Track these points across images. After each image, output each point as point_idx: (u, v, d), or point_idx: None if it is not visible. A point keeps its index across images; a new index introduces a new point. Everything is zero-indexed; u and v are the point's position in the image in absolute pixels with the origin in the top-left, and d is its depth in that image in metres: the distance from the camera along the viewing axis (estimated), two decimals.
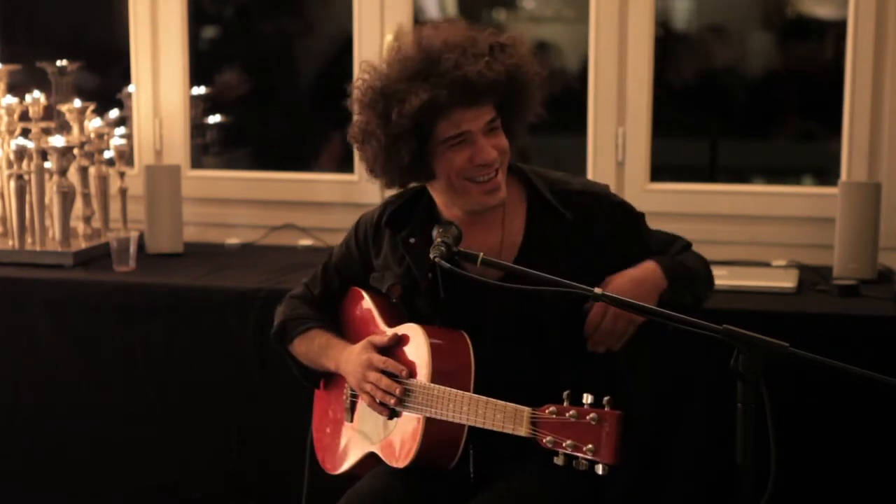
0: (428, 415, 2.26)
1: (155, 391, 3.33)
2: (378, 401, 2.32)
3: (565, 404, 2.05)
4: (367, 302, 2.50)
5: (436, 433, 2.28)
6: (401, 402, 2.30)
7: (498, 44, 2.27)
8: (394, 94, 2.23)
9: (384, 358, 2.34)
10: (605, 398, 2.01)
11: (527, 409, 2.11)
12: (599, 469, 1.99)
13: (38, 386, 3.41)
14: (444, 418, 2.24)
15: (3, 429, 3.44)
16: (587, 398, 2.02)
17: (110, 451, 3.38)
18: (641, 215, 2.45)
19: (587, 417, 2.00)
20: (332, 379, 2.56)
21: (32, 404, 3.42)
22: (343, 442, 2.52)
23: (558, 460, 2.04)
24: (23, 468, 3.45)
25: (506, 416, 2.14)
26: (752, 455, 1.93)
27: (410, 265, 2.39)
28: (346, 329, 2.55)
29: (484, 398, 2.19)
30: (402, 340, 2.36)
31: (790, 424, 2.40)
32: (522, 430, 2.11)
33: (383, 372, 2.32)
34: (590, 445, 1.99)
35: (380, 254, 2.47)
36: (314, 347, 2.51)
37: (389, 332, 2.39)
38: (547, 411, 2.06)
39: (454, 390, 2.23)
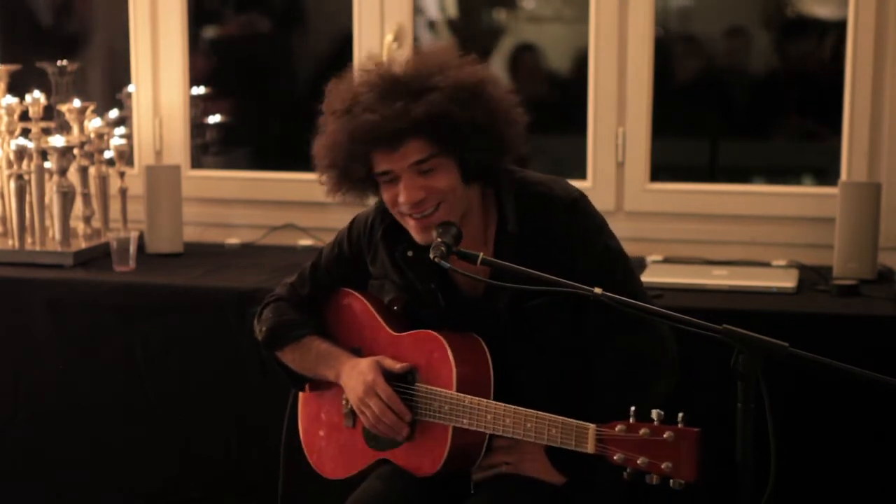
0: (458, 425, 2.25)
1: (154, 391, 3.33)
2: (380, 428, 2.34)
3: (632, 421, 2.02)
4: (365, 303, 2.47)
5: (463, 441, 2.27)
6: (414, 413, 2.31)
7: (430, 87, 2.18)
8: (324, 125, 2.28)
9: (391, 392, 2.31)
10: (680, 415, 1.99)
11: (592, 426, 2.08)
12: (671, 483, 1.98)
13: (38, 386, 3.41)
14: (478, 430, 2.22)
15: (3, 429, 3.44)
16: (656, 414, 2.00)
17: (110, 450, 3.39)
18: (609, 236, 2.36)
19: (663, 435, 1.98)
20: (321, 383, 2.55)
21: (32, 404, 3.42)
22: (344, 446, 2.49)
23: (627, 475, 2.02)
24: (23, 468, 3.45)
25: (564, 433, 2.12)
26: (752, 455, 1.92)
27: (412, 278, 2.37)
28: (339, 330, 2.51)
29: (532, 412, 2.16)
30: (414, 370, 2.34)
31: (790, 424, 2.40)
32: (588, 447, 2.08)
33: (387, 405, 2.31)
34: (668, 463, 1.97)
35: (376, 260, 2.45)
36: (311, 356, 2.48)
37: (401, 364, 2.34)
38: (616, 428, 2.03)
39: (493, 402, 2.21)
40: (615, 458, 2.03)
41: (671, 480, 1.98)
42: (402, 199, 2.23)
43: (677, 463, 1.97)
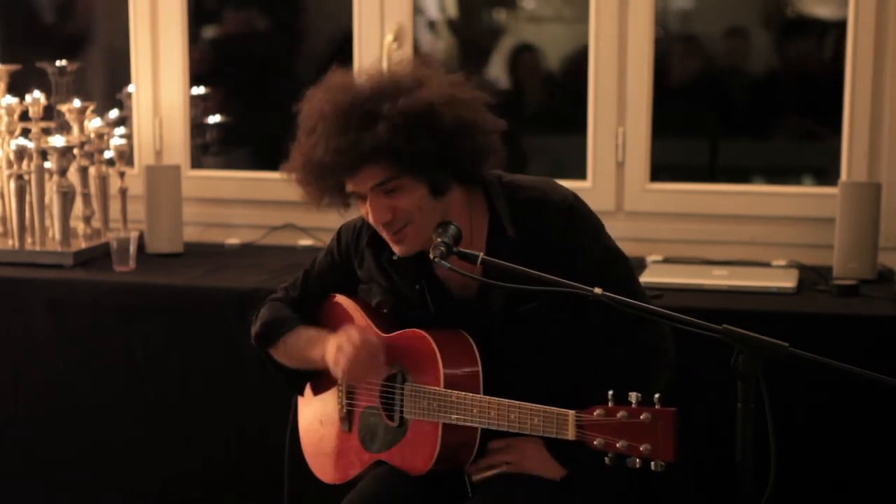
0: (447, 421, 2.26)
1: (154, 391, 3.33)
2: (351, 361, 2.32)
3: (610, 405, 2.03)
4: (356, 307, 2.48)
5: (454, 438, 2.28)
6: (405, 412, 2.31)
7: (378, 116, 2.18)
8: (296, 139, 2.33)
9: (361, 334, 2.32)
10: (656, 396, 2.00)
11: (571, 413, 2.09)
12: (653, 466, 1.99)
13: (38, 386, 3.40)
14: (466, 424, 2.24)
15: (3, 429, 3.44)
16: (633, 397, 2.01)
17: (110, 451, 3.39)
18: (601, 230, 2.37)
19: (640, 417, 1.98)
20: (318, 387, 2.55)
21: (32, 404, 3.42)
22: (341, 451, 2.50)
23: (609, 460, 2.03)
24: (22, 468, 3.45)
25: (546, 421, 2.13)
26: (752, 455, 1.93)
27: (397, 281, 2.38)
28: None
29: (516, 402, 2.18)
30: (405, 371, 2.35)
31: (790, 424, 2.40)
32: (569, 434, 2.10)
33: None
34: (646, 445, 1.98)
35: (363, 265, 2.46)
36: (300, 342, 2.48)
37: (388, 334, 2.37)
38: (595, 413, 2.04)
39: (477, 395, 2.23)
40: (595, 443, 2.05)
41: (652, 463, 1.98)
42: (370, 219, 2.27)
43: (655, 444, 1.98)
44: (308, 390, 2.60)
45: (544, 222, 2.30)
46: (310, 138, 2.26)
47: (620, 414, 2.01)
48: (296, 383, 2.60)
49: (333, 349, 2.35)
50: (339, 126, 2.20)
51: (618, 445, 2.01)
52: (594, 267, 2.27)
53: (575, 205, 2.32)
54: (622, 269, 2.35)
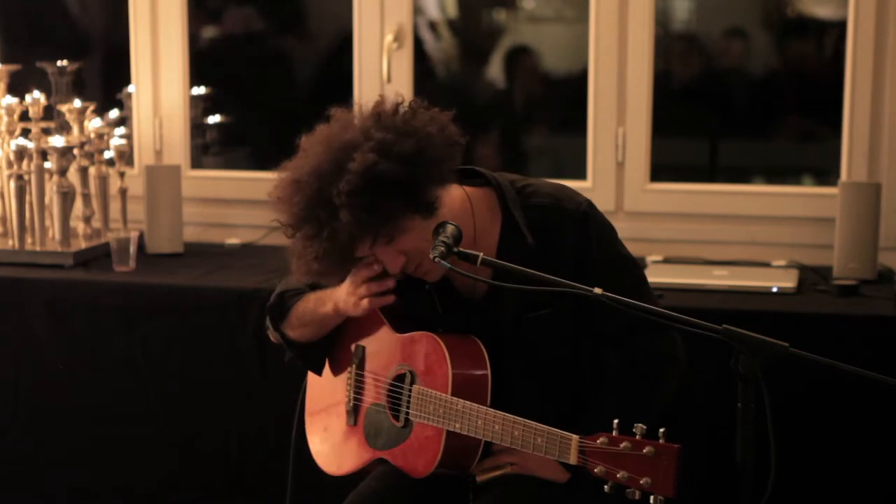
0: (450, 428, 2.25)
1: (155, 391, 3.33)
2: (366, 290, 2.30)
3: (615, 434, 2.02)
4: None
5: (456, 445, 2.27)
6: (407, 412, 2.31)
7: (336, 206, 2.13)
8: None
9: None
10: (661, 430, 1.98)
11: (575, 438, 2.08)
12: (651, 500, 1.97)
13: (38, 386, 3.41)
14: (469, 434, 2.23)
15: (3, 429, 3.44)
16: (638, 429, 1.99)
17: (110, 451, 3.39)
18: (613, 241, 2.36)
19: (643, 450, 1.97)
20: (334, 368, 2.55)
21: (32, 404, 3.42)
22: (344, 444, 2.50)
23: (608, 488, 2.02)
24: (22, 468, 3.45)
25: (549, 442, 2.11)
26: (752, 455, 1.93)
27: (404, 281, 2.37)
28: (345, 326, 2.49)
29: (521, 420, 2.16)
30: (414, 372, 2.34)
31: (790, 424, 2.40)
32: (570, 458, 2.08)
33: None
34: (647, 479, 1.96)
35: None
36: (310, 303, 2.43)
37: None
38: (598, 441, 2.03)
39: (483, 408, 2.21)
40: (596, 470, 2.03)
41: (651, 497, 1.97)
42: (390, 272, 2.25)
43: (656, 478, 1.96)
44: (327, 369, 2.57)
45: (558, 229, 2.28)
46: (294, 241, 2.24)
47: (624, 444, 1.99)
48: (313, 360, 2.56)
49: (343, 293, 2.33)
50: (308, 231, 2.19)
51: (618, 475, 1.99)
52: (606, 274, 2.26)
53: (589, 212, 2.31)
54: (634, 277, 2.34)
